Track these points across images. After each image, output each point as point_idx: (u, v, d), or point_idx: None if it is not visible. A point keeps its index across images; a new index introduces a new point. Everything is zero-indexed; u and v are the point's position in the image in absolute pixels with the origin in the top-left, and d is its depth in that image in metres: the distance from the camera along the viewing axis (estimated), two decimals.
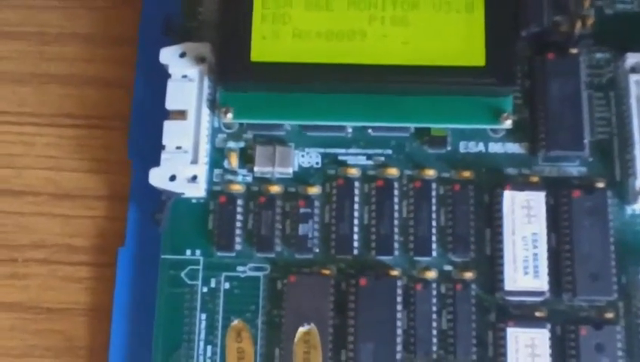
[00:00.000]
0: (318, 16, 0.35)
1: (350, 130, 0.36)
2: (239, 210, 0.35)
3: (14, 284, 0.37)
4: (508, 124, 0.35)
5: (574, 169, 0.35)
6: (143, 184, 0.36)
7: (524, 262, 0.34)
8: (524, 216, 0.34)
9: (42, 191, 0.38)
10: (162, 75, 0.36)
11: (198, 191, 0.35)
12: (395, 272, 0.34)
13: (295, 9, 0.35)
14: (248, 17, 0.35)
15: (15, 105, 0.39)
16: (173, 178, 0.35)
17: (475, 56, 0.34)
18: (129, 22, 0.40)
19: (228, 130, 0.36)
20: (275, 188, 0.35)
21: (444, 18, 0.35)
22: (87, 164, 0.38)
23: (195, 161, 0.35)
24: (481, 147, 0.36)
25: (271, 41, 0.35)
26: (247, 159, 0.36)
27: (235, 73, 0.34)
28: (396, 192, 0.35)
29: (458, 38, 0.34)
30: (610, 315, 0.34)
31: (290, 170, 0.36)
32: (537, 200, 0.34)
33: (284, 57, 0.34)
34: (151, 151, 0.36)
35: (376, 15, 0.35)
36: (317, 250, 0.35)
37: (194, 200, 0.36)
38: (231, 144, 0.36)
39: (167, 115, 0.36)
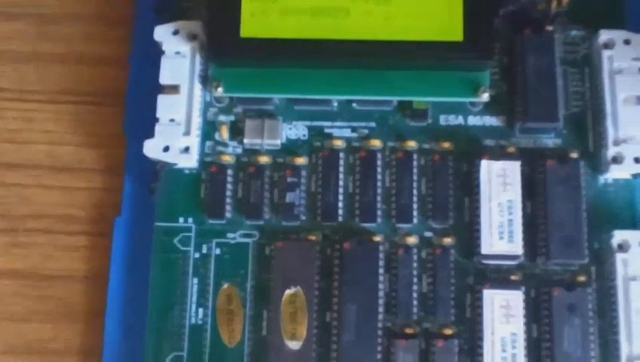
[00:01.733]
0: None
1: (335, 104, 0.38)
2: (229, 179, 0.37)
3: (16, 253, 0.39)
4: (485, 97, 0.36)
5: (549, 140, 0.37)
6: (138, 157, 0.37)
7: (500, 228, 0.35)
8: (500, 185, 0.36)
9: (42, 164, 0.40)
10: (156, 52, 0.38)
11: (190, 162, 0.37)
12: (377, 238, 0.36)
13: None
14: None
15: (16, 83, 0.41)
16: (166, 149, 0.37)
17: (454, 31, 0.36)
18: (123, 2, 0.41)
19: (219, 104, 0.38)
20: (264, 159, 0.37)
21: None
22: (84, 138, 0.40)
23: (187, 133, 0.37)
24: (460, 120, 0.37)
25: (259, 18, 0.36)
26: (237, 132, 0.38)
27: (225, 49, 0.36)
28: (379, 163, 0.37)
29: (438, 14, 0.36)
30: (582, 278, 0.35)
31: (279, 142, 0.37)
32: (513, 169, 0.36)
33: (273, 33, 0.36)
34: (146, 126, 0.38)
35: None
36: (303, 218, 0.36)
37: (186, 171, 0.37)
38: (222, 117, 0.38)
39: (161, 89, 0.37)
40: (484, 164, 0.36)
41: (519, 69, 0.37)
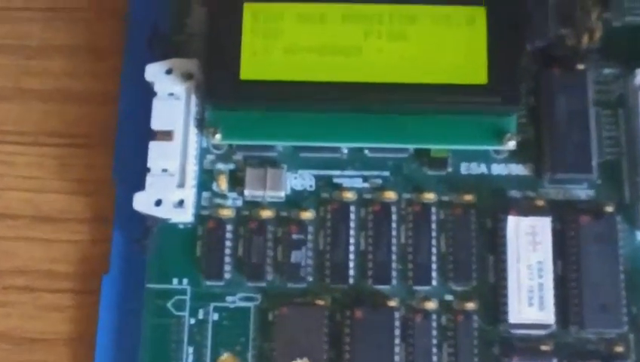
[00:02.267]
0: (311, 30, 0.33)
1: (345, 151, 0.34)
2: (229, 235, 0.33)
3: None
4: (511, 145, 0.33)
5: (582, 192, 0.34)
6: (128, 206, 0.34)
7: (529, 293, 0.32)
8: (529, 244, 0.32)
9: (23, 213, 0.36)
10: (148, 89, 0.35)
11: (185, 216, 0.33)
12: (392, 302, 0.33)
13: (287, 22, 0.33)
14: (237, 32, 0.33)
15: None
16: (158, 203, 0.33)
17: (477, 73, 0.32)
18: (114, 34, 0.38)
19: (217, 151, 0.35)
20: (267, 213, 0.34)
21: (444, 32, 0.33)
22: (70, 184, 0.37)
23: (181, 185, 0.33)
24: (483, 168, 0.34)
25: (262, 57, 0.33)
26: (237, 182, 0.34)
27: (223, 92, 0.33)
28: (394, 217, 0.33)
29: (459, 54, 0.32)
30: (620, 349, 0.32)
31: (283, 194, 0.34)
32: (543, 226, 0.32)
33: (276, 75, 0.33)
34: (137, 172, 0.34)
35: (372, 29, 0.33)
36: (310, 279, 0.33)
37: (181, 226, 0.34)
38: (220, 166, 0.34)
39: (153, 135, 0.34)
40: (512, 221, 0.32)
41: (548, 111, 0.33)
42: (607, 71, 0.35)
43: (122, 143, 0.36)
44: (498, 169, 0.34)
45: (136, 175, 0.34)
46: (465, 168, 0.34)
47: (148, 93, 0.35)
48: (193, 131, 0.34)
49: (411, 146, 0.34)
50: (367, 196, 0.34)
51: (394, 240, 0.33)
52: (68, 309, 0.35)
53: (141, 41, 0.36)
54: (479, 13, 0.33)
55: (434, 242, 0.33)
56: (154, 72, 0.34)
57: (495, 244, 0.33)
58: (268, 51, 0.33)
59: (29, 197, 0.37)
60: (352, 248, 0.33)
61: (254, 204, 0.34)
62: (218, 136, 0.33)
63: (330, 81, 0.32)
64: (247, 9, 0.33)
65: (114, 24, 0.38)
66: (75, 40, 0.38)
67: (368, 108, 0.33)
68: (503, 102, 0.32)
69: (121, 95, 0.36)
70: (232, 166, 0.34)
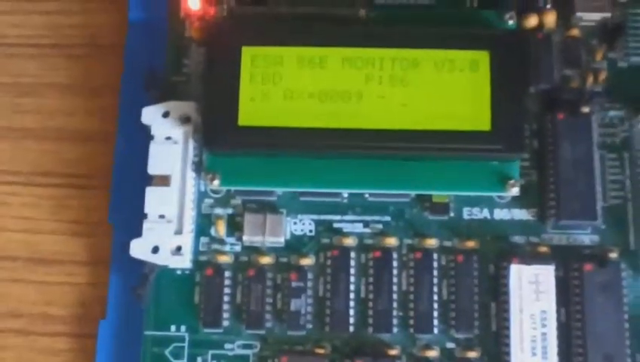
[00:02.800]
0: (310, 76, 0.32)
1: (346, 195, 0.34)
2: (227, 282, 0.33)
3: None
4: (515, 191, 0.33)
5: (586, 237, 0.33)
6: (125, 250, 0.33)
7: (532, 343, 0.31)
8: (532, 292, 0.32)
9: (18, 255, 0.36)
10: (145, 129, 0.34)
11: (183, 263, 0.33)
12: (393, 351, 0.32)
13: (286, 67, 0.32)
14: (236, 76, 0.32)
15: None
16: (156, 249, 0.33)
17: (480, 119, 0.32)
18: (110, 72, 0.37)
19: (215, 195, 0.34)
20: (266, 259, 0.33)
21: (446, 78, 0.32)
22: (65, 226, 0.36)
23: (179, 231, 0.33)
24: (485, 213, 0.33)
25: (260, 103, 0.32)
26: (235, 227, 0.34)
27: (222, 139, 0.32)
28: (395, 263, 0.33)
29: (462, 100, 0.32)
30: None
31: (282, 239, 0.33)
32: (546, 274, 0.32)
33: (274, 121, 0.32)
34: (133, 214, 0.34)
35: (373, 74, 0.32)
36: (310, 327, 0.33)
37: (178, 272, 0.33)
38: (218, 210, 0.34)
39: (150, 179, 0.33)
40: (514, 269, 0.32)
41: (552, 156, 0.33)
42: (612, 113, 0.34)
43: (118, 187, 0.35)
44: (501, 214, 0.33)
45: (132, 217, 0.34)
46: (467, 213, 0.33)
47: (144, 133, 0.34)
48: (191, 175, 0.33)
49: (413, 192, 0.33)
50: (368, 241, 0.33)
51: (395, 287, 0.33)
52: (64, 353, 0.35)
53: (138, 80, 0.35)
54: (482, 58, 0.32)
55: (435, 289, 0.33)
56: (151, 116, 0.34)
57: (498, 292, 0.32)
58: (267, 97, 0.32)
59: (24, 238, 0.36)
60: (352, 295, 0.33)
61: (253, 250, 0.33)
62: (216, 182, 0.33)
63: (330, 127, 0.32)
64: (246, 52, 0.33)
65: (111, 61, 0.37)
66: (71, 77, 0.38)
67: (368, 154, 0.32)
68: (507, 149, 0.32)
69: (118, 137, 0.36)
70: (230, 210, 0.34)
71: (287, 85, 0.32)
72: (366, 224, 0.34)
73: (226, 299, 0.33)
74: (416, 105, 0.32)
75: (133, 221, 0.34)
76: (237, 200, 0.34)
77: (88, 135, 0.37)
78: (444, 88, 0.32)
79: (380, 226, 0.33)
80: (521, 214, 0.33)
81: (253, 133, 0.32)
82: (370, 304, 0.33)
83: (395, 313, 0.32)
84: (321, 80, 0.32)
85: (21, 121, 0.37)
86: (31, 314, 0.35)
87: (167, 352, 0.33)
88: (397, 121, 0.32)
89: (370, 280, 0.33)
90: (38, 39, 0.38)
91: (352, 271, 0.33)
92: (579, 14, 0.34)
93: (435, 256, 0.33)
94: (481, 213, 0.34)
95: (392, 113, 0.32)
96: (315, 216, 0.34)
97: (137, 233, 0.33)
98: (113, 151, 0.36)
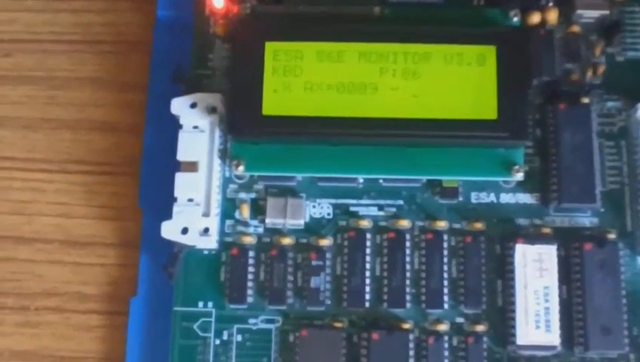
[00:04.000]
0: (329, 69, 0.35)
1: (361, 181, 0.36)
2: (251, 261, 0.35)
3: (26, 332, 0.37)
4: (519, 176, 0.35)
5: (586, 219, 0.35)
6: (154, 231, 0.35)
7: (536, 316, 0.34)
8: (535, 270, 0.34)
9: (53, 238, 0.38)
10: (172, 120, 0.36)
11: (209, 243, 0.35)
12: (407, 325, 0.34)
13: (306, 61, 0.35)
14: (260, 70, 0.35)
15: (25, 151, 0.39)
16: (185, 231, 0.35)
17: (487, 109, 0.34)
18: (139, 67, 0.39)
19: (239, 181, 0.36)
20: (287, 240, 0.35)
21: (455, 71, 0.34)
22: (97, 210, 0.38)
23: (207, 214, 0.35)
24: (492, 198, 0.36)
25: (282, 94, 0.35)
26: (258, 210, 0.36)
27: (246, 127, 0.34)
28: (408, 244, 0.35)
29: (469, 91, 0.34)
30: None
31: (302, 222, 0.36)
32: (549, 253, 0.34)
33: (296, 110, 0.34)
34: (161, 199, 0.36)
35: (387, 68, 0.35)
36: (329, 303, 0.35)
37: (205, 252, 0.36)
38: (242, 195, 0.36)
39: (179, 165, 0.36)
40: (519, 249, 0.34)
41: (554, 144, 0.35)
42: (610, 104, 0.36)
43: (147, 173, 0.37)
44: (506, 198, 0.36)
45: (161, 202, 0.36)
46: (475, 197, 0.36)
47: (171, 124, 0.36)
48: (217, 162, 0.36)
49: (424, 177, 0.36)
50: (382, 224, 0.36)
51: (408, 266, 0.35)
52: (97, 329, 0.37)
53: (165, 75, 0.38)
54: (489, 52, 0.34)
55: (445, 268, 0.35)
56: (179, 106, 0.36)
57: (503, 270, 0.35)
58: (288, 88, 0.35)
59: (59, 223, 0.38)
60: (367, 273, 0.35)
61: (275, 231, 0.36)
62: (241, 168, 0.35)
63: (347, 116, 0.34)
64: (269, 48, 0.35)
65: (138, 58, 0.40)
66: (101, 72, 0.40)
67: (383, 141, 0.35)
68: (512, 136, 0.34)
69: (146, 127, 0.38)
70: (253, 195, 0.36)
71: (308, 78, 0.35)
72: (380, 208, 0.36)
73: (250, 277, 0.35)
74: (427, 96, 0.34)
75: (161, 205, 0.36)
76: (260, 186, 0.36)
77: (117, 126, 0.39)
78: (453, 80, 0.34)
79: (394, 210, 0.36)
80: (525, 198, 0.36)
81: (275, 122, 0.34)
82: (385, 281, 0.35)
83: (407, 290, 0.35)
84: (339, 73, 0.35)
85: (55, 113, 0.40)
86: (66, 293, 0.37)
87: (195, 327, 0.35)
88: (409, 110, 0.34)
89: (385, 259, 0.35)
90: (69, 36, 0.40)
91: (368, 251, 0.35)
92: (579, 12, 0.37)
93: (445, 237, 0.35)
94: (488, 198, 0.36)
95: (404, 103, 0.34)
96: (333, 200, 0.36)
97: (165, 217, 0.35)
98: (140, 141, 0.38)
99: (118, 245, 0.38)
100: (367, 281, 0.35)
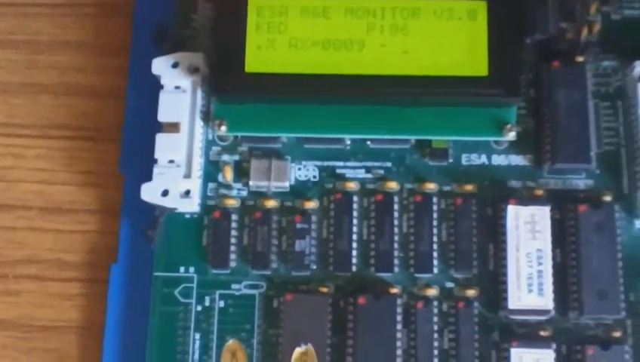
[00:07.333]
0: (314, 25, 0.34)
1: (348, 142, 0.35)
2: (234, 225, 0.34)
3: (5, 301, 0.36)
4: (512, 136, 0.34)
5: (580, 181, 0.34)
6: (135, 198, 0.35)
7: (529, 280, 0.32)
8: (528, 232, 0.33)
9: (33, 204, 0.37)
10: (155, 84, 0.35)
11: (191, 206, 0.34)
12: (395, 290, 0.33)
13: (291, 17, 0.34)
14: (242, 27, 0.34)
15: (4, 116, 0.38)
16: (165, 193, 0.34)
17: (478, 65, 0.33)
18: (121, 30, 0.38)
19: (222, 143, 0.35)
20: (271, 203, 0.34)
21: (445, 26, 0.33)
22: (78, 177, 0.37)
23: (188, 175, 0.34)
24: (483, 159, 0.35)
25: (266, 51, 0.33)
26: (242, 173, 0.35)
27: (229, 85, 0.33)
28: (396, 207, 0.34)
29: (460, 47, 0.33)
30: (617, 334, 0.32)
31: (287, 184, 0.34)
32: (542, 215, 0.33)
33: (280, 68, 0.33)
34: (144, 165, 0.35)
35: (374, 23, 0.33)
36: (314, 267, 0.34)
37: (187, 215, 0.35)
38: (225, 157, 0.35)
39: (160, 127, 0.35)
40: (511, 210, 0.33)
41: (547, 104, 0.34)
42: (606, 63, 0.35)
43: (129, 137, 0.36)
44: (498, 160, 0.35)
45: (142, 167, 0.35)
46: (465, 159, 0.35)
47: (154, 88, 0.35)
48: (199, 123, 0.35)
49: (413, 138, 0.34)
50: (370, 186, 0.35)
51: (396, 229, 0.34)
52: (77, 297, 0.36)
53: (147, 37, 0.36)
54: (480, 7, 0.33)
55: (435, 231, 0.34)
56: (160, 66, 0.35)
57: (495, 233, 0.34)
58: (272, 45, 0.34)
59: (39, 189, 0.37)
60: (354, 237, 0.34)
61: (259, 194, 0.35)
62: (224, 128, 0.34)
63: (334, 73, 0.33)
64: (252, 4, 0.34)
65: (121, 20, 0.39)
66: (83, 36, 0.39)
67: (370, 100, 0.34)
68: (504, 93, 0.33)
69: (128, 89, 0.37)
70: (237, 157, 0.35)
71: (292, 34, 0.34)
72: (368, 170, 0.35)
73: (233, 241, 0.34)
74: (417, 53, 0.33)
75: (143, 171, 0.35)
76: (243, 148, 0.35)
77: (99, 90, 0.38)
78: (443, 36, 0.33)
79: (382, 172, 0.35)
80: (517, 160, 0.35)
81: (259, 79, 0.33)
82: (372, 245, 0.34)
83: (396, 254, 0.34)
84: (325, 29, 0.34)
85: (35, 77, 0.39)
86: (45, 260, 0.36)
87: (176, 292, 0.34)
88: (398, 67, 0.33)
89: (372, 222, 0.34)
90: None
91: (355, 213, 0.34)
92: None
93: (435, 199, 0.34)
94: (479, 159, 0.35)
95: (393, 60, 0.33)
96: (319, 163, 0.35)
97: (147, 181, 0.34)
98: (123, 106, 0.37)
99: (99, 212, 0.37)
100: (354, 245, 0.34)
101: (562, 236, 0.33)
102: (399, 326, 0.32)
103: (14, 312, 0.36)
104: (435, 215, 0.34)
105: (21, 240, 0.37)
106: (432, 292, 0.33)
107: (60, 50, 0.39)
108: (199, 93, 0.35)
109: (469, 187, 0.34)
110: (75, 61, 0.39)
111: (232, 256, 0.34)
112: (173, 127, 0.34)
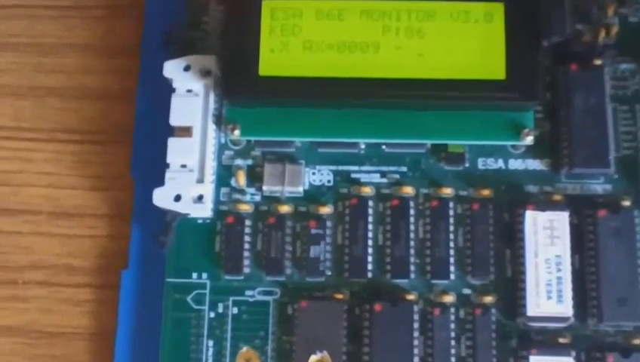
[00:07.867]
0: (329, 27, 0.33)
1: (363, 147, 0.34)
2: (247, 230, 0.34)
3: (13, 307, 0.35)
4: (529, 140, 0.33)
5: (599, 186, 0.34)
6: (146, 202, 0.34)
7: (547, 286, 0.32)
8: (546, 238, 0.32)
9: (41, 209, 0.37)
10: (166, 86, 0.35)
11: (204, 212, 0.34)
12: (411, 296, 0.33)
13: (305, 20, 0.33)
14: (256, 29, 0.33)
15: (12, 119, 0.38)
16: (178, 198, 0.33)
17: (495, 69, 0.32)
18: (130, 32, 0.38)
19: (235, 147, 0.35)
20: (285, 208, 0.34)
21: (461, 29, 0.33)
22: (87, 180, 0.37)
23: (200, 180, 0.34)
24: (500, 164, 0.34)
25: (280, 54, 0.33)
26: (255, 177, 0.34)
27: (242, 89, 0.33)
28: (412, 212, 0.33)
29: (477, 50, 0.33)
30: (638, 341, 0.32)
31: (301, 189, 0.34)
32: (560, 220, 0.32)
33: (294, 71, 0.33)
34: (154, 168, 0.35)
35: (390, 26, 0.33)
36: (329, 273, 0.33)
37: (200, 221, 0.34)
38: (238, 161, 0.35)
39: (172, 131, 0.34)
40: (529, 215, 0.32)
41: (565, 107, 0.34)
42: (623, 66, 0.35)
43: (139, 141, 0.36)
44: (515, 164, 0.34)
45: (153, 171, 0.34)
46: (482, 163, 0.34)
47: (164, 90, 0.35)
48: (211, 127, 0.34)
49: (429, 142, 0.34)
50: (385, 191, 0.34)
51: (412, 235, 0.33)
52: (86, 304, 0.35)
53: (157, 39, 0.36)
54: (497, 9, 0.33)
55: (452, 236, 0.33)
56: (172, 69, 0.34)
57: (513, 239, 0.33)
58: (286, 48, 0.33)
59: (47, 193, 0.37)
60: (370, 243, 0.33)
61: (273, 200, 0.34)
62: (237, 132, 0.34)
63: (348, 77, 0.33)
64: (266, 6, 0.33)
65: (128, 23, 0.38)
66: (90, 38, 0.38)
67: (386, 104, 0.33)
68: (522, 97, 0.32)
69: (139, 92, 0.36)
70: (250, 162, 0.34)
71: (307, 37, 0.33)
72: (383, 174, 0.34)
73: (246, 246, 0.33)
74: (433, 56, 0.33)
75: (153, 175, 0.34)
76: (257, 152, 0.35)
77: (107, 93, 0.38)
78: (459, 39, 0.33)
79: (397, 176, 0.34)
80: (534, 164, 0.34)
81: (273, 83, 0.33)
82: (388, 251, 0.33)
83: (412, 260, 0.33)
84: (340, 31, 0.33)
85: (43, 80, 0.38)
86: (54, 265, 0.36)
87: (189, 299, 0.33)
88: (414, 70, 0.33)
89: (388, 228, 0.33)
90: (57, 1, 0.39)
91: (370, 219, 0.33)
92: None
93: (451, 204, 0.34)
94: (496, 164, 0.34)
95: (408, 63, 0.33)
96: (333, 167, 0.34)
97: (157, 186, 0.34)
98: (132, 109, 0.36)
99: (108, 216, 0.36)
100: (370, 251, 0.33)
101: (581, 241, 0.33)
102: (416, 334, 0.32)
103: (23, 318, 0.35)
104: (451, 220, 0.33)
105: (28, 245, 0.36)
106: (449, 298, 0.33)
107: (67, 52, 0.38)
108: (211, 97, 0.34)
109: (485, 192, 0.34)
110: (82, 64, 0.38)
111: (246, 262, 0.33)
112: (186, 131, 0.34)
